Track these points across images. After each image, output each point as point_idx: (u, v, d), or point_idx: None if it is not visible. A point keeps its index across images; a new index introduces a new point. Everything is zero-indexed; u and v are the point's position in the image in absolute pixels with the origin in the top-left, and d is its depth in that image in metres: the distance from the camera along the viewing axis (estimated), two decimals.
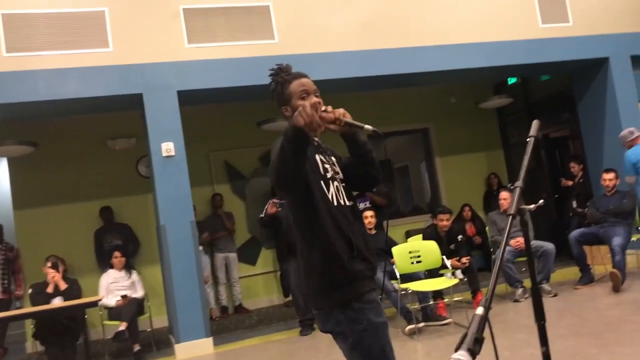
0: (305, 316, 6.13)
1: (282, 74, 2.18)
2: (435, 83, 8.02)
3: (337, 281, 2.05)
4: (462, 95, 9.38)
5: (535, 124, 1.84)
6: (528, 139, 1.81)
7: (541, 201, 1.82)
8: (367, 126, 1.94)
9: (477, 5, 7.23)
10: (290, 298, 7.27)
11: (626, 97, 7.57)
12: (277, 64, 2.22)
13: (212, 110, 7.94)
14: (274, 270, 8.46)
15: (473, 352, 1.34)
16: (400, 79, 7.06)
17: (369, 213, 6.26)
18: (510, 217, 1.63)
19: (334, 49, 6.60)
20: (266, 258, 8.53)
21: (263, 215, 6.38)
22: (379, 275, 6.79)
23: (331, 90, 7.31)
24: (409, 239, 6.75)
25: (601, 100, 7.77)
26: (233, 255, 8.09)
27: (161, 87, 6.02)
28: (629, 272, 6.24)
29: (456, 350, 1.34)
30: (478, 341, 1.36)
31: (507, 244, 1.63)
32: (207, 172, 8.36)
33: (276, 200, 6.28)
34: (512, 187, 1.67)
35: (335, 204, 2.10)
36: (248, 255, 8.44)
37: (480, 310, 1.41)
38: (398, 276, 5.75)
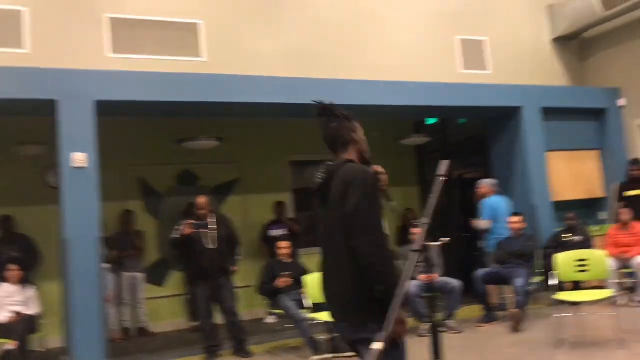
0: (211, 343, 5.96)
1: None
2: (358, 117, 8.17)
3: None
4: (383, 130, 9.58)
5: (444, 164, 1.89)
6: (438, 178, 1.86)
7: (447, 239, 1.86)
8: (393, 202, 2.54)
9: (403, 45, 7.46)
10: (197, 323, 7.04)
11: (535, 145, 8.01)
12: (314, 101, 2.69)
13: (132, 124, 7.68)
14: (182, 293, 8.19)
15: None
16: None
17: (284, 244, 6.37)
18: (416, 252, 1.65)
19: (261, 73, 6.59)
20: (175, 280, 8.27)
21: (177, 236, 6.16)
22: (288, 303, 6.65)
23: (256, 114, 7.30)
24: None
25: (512, 146, 8.18)
26: (140, 275, 7.79)
27: (78, 95, 5.76)
28: (528, 312, 6.51)
29: None
30: None
31: (413, 279, 1.65)
32: (120, 187, 8.03)
33: (193, 222, 6.10)
34: (418, 223, 1.71)
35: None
36: (156, 276, 8.14)
37: (377, 345, 1.40)
38: (309, 305, 5.72)
